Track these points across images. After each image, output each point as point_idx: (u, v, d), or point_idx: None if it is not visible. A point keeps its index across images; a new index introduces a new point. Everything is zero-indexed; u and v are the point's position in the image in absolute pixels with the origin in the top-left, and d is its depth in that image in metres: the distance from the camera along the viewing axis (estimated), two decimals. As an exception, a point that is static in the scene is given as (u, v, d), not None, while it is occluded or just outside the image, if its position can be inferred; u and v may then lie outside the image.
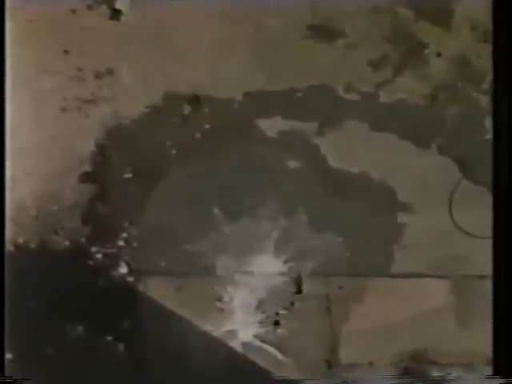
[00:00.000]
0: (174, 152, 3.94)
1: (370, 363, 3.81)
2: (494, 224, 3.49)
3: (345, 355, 3.83)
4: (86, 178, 3.92)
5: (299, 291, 3.85)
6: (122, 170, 3.92)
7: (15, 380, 3.32)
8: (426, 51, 3.93)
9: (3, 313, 3.44)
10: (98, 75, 3.96)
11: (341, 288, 3.85)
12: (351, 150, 3.90)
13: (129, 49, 3.95)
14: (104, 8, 3.94)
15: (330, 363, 3.83)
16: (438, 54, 3.93)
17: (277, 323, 3.83)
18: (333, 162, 3.91)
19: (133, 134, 3.94)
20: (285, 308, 3.85)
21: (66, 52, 3.95)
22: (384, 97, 3.93)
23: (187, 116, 3.93)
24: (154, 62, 3.94)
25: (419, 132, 3.90)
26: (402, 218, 3.89)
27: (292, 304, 3.85)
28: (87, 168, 3.93)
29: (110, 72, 3.96)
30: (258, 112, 3.92)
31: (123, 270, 3.87)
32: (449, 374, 3.74)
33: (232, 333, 3.84)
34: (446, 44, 3.93)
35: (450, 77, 3.92)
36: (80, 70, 3.95)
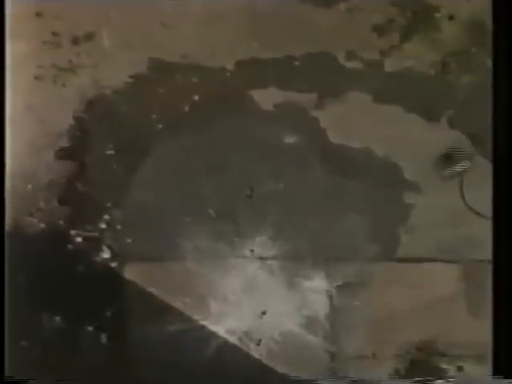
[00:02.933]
0: (160, 126, 3.71)
1: (374, 355, 3.60)
2: (494, 202, 3.28)
3: (347, 346, 3.62)
4: (63, 154, 3.69)
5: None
6: (104, 146, 3.70)
7: (16, 380, 3.22)
8: (437, 15, 3.69)
9: (3, 312, 3.27)
10: (75, 40, 3.71)
11: (342, 273, 3.64)
12: (353, 123, 3.68)
13: (109, 11, 3.71)
14: (82, -34, 3.66)
15: (332, 355, 3.61)
16: (450, 18, 3.68)
17: (267, 313, 3.66)
18: (333, 137, 3.69)
19: (115, 105, 3.71)
20: (281, 295, 3.65)
21: (39, 15, 3.69)
22: (390, 65, 3.71)
23: (175, 86, 3.71)
24: (138, 26, 3.70)
25: (428, 104, 3.67)
26: (408, 197, 3.68)
27: (289, 291, 3.65)
28: (65, 143, 3.69)
29: (88, 37, 3.71)
30: (251, 82, 3.71)
31: (106, 254, 3.66)
32: (460, 366, 3.53)
33: (224, 322, 3.64)
34: (459, 6, 3.70)
35: (463, 43, 3.69)
36: (55, 34, 3.69)
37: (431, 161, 3.64)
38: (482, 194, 3.51)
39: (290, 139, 3.69)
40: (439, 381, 3.26)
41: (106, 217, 3.67)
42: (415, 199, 3.66)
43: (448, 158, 3.56)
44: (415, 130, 3.66)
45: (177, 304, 3.61)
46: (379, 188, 3.67)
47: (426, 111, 3.66)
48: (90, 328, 3.60)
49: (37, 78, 3.68)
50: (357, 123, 3.67)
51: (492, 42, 3.40)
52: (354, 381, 3.36)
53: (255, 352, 3.60)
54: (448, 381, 3.30)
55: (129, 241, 3.66)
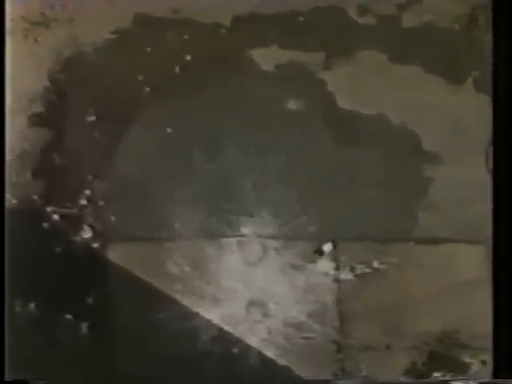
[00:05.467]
0: (147, 89, 3.48)
1: (388, 347, 3.36)
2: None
3: (356, 337, 3.38)
4: (37, 120, 3.45)
5: None
6: (83, 112, 3.46)
7: (15, 381, 3.18)
8: (463, -40, 3.46)
9: (3, 312, 3.17)
10: (48, -10, 3.44)
11: (352, 255, 3.41)
12: (365, 86, 3.45)
13: (87, -44, 3.46)
14: None
15: (339, 346, 3.37)
16: (479, -36, 3.44)
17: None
18: (343, 103, 3.46)
19: (96, 66, 3.47)
20: (283, 279, 3.43)
21: (4, -41, 3.41)
22: (408, 20, 3.44)
23: (164, 44, 3.48)
24: (121, -26, 3.46)
25: (452, 64, 3.43)
26: (427, 170, 3.44)
27: (292, 274, 3.42)
28: (39, 108, 3.45)
29: (63, -14, 3.45)
30: (250, 40, 3.49)
31: (86, 234, 3.44)
32: (485, 361, 3.28)
33: (218, 308, 3.42)
34: (490, -50, 3.45)
35: (493, -7, 3.43)
36: (25, -18, 3.44)
37: (454, 129, 3.40)
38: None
39: (293, 104, 3.49)
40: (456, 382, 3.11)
41: (87, 192, 3.45)
42: (435, 172, 3.43)
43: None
44: (436, 94, 3.43)
45: (167, 289, 3.42)
46: (394, 160, 3.45)
47: (449, 72, 3.43)
48: (69, 316, 3.38)
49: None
50: (369, 86, 3.44)
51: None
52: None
53: (253, 342, 3.40)
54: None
55: (112, 219, 3.45)
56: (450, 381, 3.25)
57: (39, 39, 3.42)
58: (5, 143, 3.28)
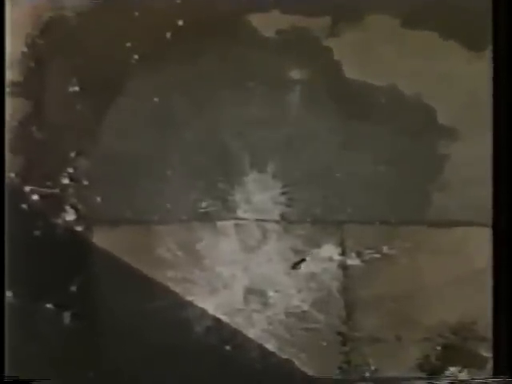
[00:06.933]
0: (135, 57, 3.37)
1: (398, 339, 3.21)
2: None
3: (364, 327, 3.25)
4: (14, 90, 3.34)
5: None
6: (65, 82, 3.35)
7: (16, 380, 3.03)
8: None
9: (3, 311, 3.05)
10: None
11: (359, 239, 3.27)
12: (375, 55, 3.34)
13: None
14: None
15: (345, 337, 3.24)
16: None
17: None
18: (350, 72, 3.35)
19: (79, 31, 3.37)
20: (286, 265, 3.29)
21: None
22: None
23: (154, 8, 3.36)
24: None
25: (470, 29, 3.30)
26: (443, 147, 3.31)
27: (295, 260, 3.30)
28: (16, 77, 3.35)
29: None
30: (248, 4, 3.38)
31: (69, 216, 3.34)
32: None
33: (213, 297, 3.29)
34: None
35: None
36: None
37: (472, 101, 3.23)
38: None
39: (296, 74, 3.38)
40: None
41: (70, 170, 3.35)
42: (451, 149, 3.29)
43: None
44: (454, 62, 3.30)
45: (158, 276, 3.31)
46: (406, 135, 3.32)
47: (468, 38, 3.31)
48: (50, 305, 3.26)
49: (-24, -8, 3.27)
50: (380, 54, 3.33)
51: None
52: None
53: (252, 333, 3.28)
54: None
55: (98, 199, 3.35)
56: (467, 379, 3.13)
57: (16, 1, 3.29)
58: (4, 137, 3.13)
